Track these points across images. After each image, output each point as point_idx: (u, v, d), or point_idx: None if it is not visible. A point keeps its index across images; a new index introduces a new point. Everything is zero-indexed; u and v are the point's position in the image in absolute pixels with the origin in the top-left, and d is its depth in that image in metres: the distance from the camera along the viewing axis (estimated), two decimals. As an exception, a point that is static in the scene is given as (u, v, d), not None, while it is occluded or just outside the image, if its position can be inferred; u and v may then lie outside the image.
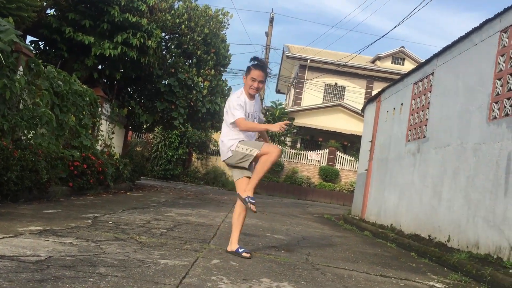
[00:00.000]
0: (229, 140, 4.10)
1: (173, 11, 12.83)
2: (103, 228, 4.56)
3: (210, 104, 13.45)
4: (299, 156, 22.82)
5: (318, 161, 22.78)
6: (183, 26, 13.00)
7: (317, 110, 24.65)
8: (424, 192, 7.02)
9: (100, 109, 10.43)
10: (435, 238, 6.30)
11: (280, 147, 22.52)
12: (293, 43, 31.63)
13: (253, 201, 4.03)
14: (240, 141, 4.06)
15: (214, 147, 23.78)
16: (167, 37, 13.48)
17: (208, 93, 13.41)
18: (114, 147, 11.73)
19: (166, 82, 12.86)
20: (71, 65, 10.35)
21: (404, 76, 9.01)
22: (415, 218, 7.18)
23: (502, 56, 5.39)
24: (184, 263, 3.37)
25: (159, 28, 11.25)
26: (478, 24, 6.03)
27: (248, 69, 4.17)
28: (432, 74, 7.42)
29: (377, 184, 9.60)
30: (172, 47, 13.54)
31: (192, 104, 13.17)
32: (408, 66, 24.98)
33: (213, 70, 13.65)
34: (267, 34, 24.96)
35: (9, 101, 6.25)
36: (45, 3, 9.44)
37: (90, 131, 9.60)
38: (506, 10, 5.40)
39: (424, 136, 7.39)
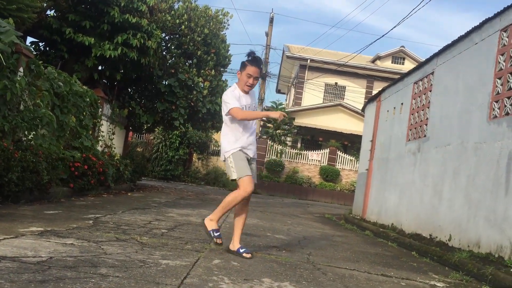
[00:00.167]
0: (226, 144, 4.05)
1: (173, 12, 12.83)
2: (104, 228, 4.56)
3: (210, 105, 13.46)
4: (300, 156, 22.82)
5: (319, 161, 22.78)
6: (183, 27, 13.01)
7: (318, 110, 24.66)
8: (424, 192, 7.02)
9: (100, 110, 10.44)
10: (436, 237, 6.30)
11: (280, 147, 22.53)
12: (293, 43, 31.64)
13: (217, 234, 4.06)
14: (233, 153, 3.99)
15: (214, 148, 23.79)
16: (167, 37, 13.49)
17: (208, 93, 13.42)
18: (114, 148, 11.74)
19: (166, 82, 12.87)
20: (71, 66, 10.36)
21: (404, 75, 9.01)
22: (416, 217, 7.18)
23: (502, 55, 5.39)
24: (185, 263, 3.37)
25: (159, 28, 11.25)
26: (478, 23, 6.03)
27: (244, 65, 4.09)
28: (432, 73, 7.42)
29: (378, 184, 9.60)
30: (172, 47, 13.55)
31: (192, 104, 13.17)
32: (408, 65, 24.97)
33: (213, 71, 13.66)
34: (267, 34, 24.96)
35: (9, 102, 6.25)
36: (45, 4, 9.44)
37: (90, 132, 9.61)
38: (506, 9, 5.40)
39: (425, 136, 7.39)
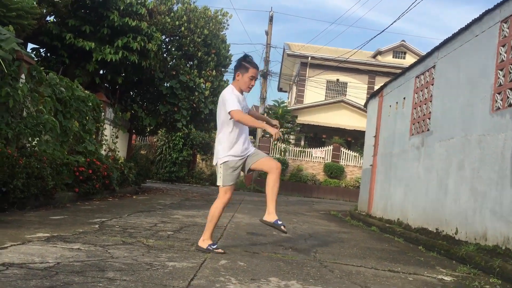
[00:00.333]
0: (221, 150, 4.00)
1: (172, 14, 12.84)
2: (110, 232, 4.57)
3: (212, 105, 13.46)
4: (303, 153, 22.80)
5: (323, 158, 22.75)
6: (182, 28, 13.02)
7: (320, 107, 24.64)
8: (430, 186, 7.00)
9: (103, 113, 10.47)
10: (443, 231, 6.28)
11: (284, 145, 22.51)
12: (293, 41, 31.68)
13: (215, 246, 4.03)
14: (225, 162, 3.97)
15: (218, 148, 23.75)
16: (167, 39, 13.50)
17: (210, 94, 13.43)
18: (118, 151, 11.77)
19: (168, 84, 12.89)
20: (72, 71, 10.39)
21: (405, 70, 8.98)
22: (422, 211, 7.17)
23: (503, 46, 5.36)
24: (192, 264, 3.38)
25: (159, 31, 11.27)
26: (478, 15, 6.01)
27: (245, 67, 4.04)
28: (434, 67, 7.39)
29: (383, 179, 9.58)
30: (173, 49, 13.56)
31: (194, 105, 13.19)
32: (409, 59, 24.89)
33: (214, 71, 13.67)
34: (267, 33, 24.94)
35: (12, 109, 6.28)
36: (44, 10, 9.47)
37: (94, 136, 9.64)
38: (505, 0, 5.37)
39: (428, 130, 7.37)
